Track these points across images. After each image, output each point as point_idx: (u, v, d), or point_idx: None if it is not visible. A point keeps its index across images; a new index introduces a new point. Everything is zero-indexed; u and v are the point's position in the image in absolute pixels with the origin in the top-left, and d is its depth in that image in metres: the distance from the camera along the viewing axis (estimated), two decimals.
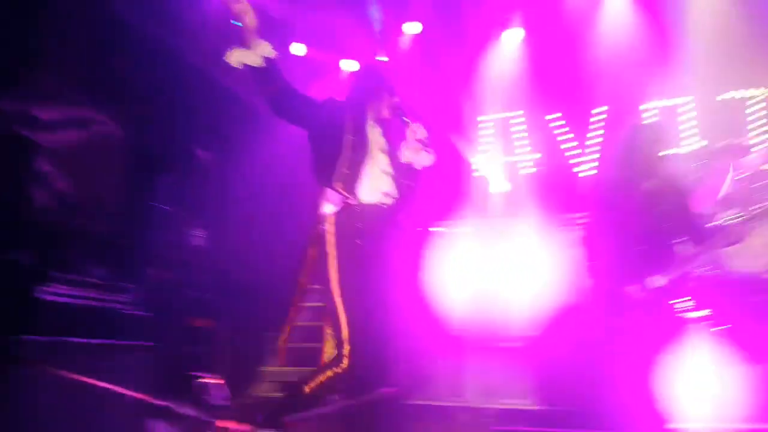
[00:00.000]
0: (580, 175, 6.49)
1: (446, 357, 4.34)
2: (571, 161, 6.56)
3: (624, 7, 6.32)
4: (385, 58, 7.05)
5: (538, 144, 6.72)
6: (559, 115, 6.61)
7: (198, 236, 5.69)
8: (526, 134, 6.79)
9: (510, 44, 6.77)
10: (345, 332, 2.47)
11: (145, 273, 4.66)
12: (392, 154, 2.77)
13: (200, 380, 4.21)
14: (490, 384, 4.10)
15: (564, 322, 4.04)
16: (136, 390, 3.09)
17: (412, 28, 6.98)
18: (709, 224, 4.60)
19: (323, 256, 2.54)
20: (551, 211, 5.46)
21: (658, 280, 3.00)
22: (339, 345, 2.49)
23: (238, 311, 5.50)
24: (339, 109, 2.71)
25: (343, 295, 2.50)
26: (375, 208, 2.62)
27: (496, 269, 5.14)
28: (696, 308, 3.95)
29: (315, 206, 2.62)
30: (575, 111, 6.49)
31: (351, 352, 2.44)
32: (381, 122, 2.80)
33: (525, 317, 4.36)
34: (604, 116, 6.47)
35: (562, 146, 6.60)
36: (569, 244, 4.57)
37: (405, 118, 2.74)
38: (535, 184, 6.46)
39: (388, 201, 2.66)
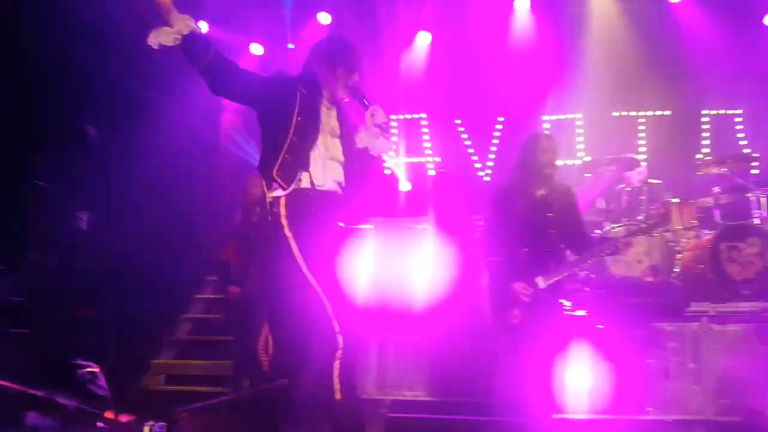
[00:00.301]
0: (482, 179, 6.74)
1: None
2: (474, 165, 6.80)
3: (528, 24, 6.63)
4: (292, 46, 6.96)
5: (441, 147, 6.89)
6: (459, 121, 6.82)
7: (83, 219, 5.31)
8: (429, 137, 6.94)
9: (420, 47, 6.90)
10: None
11: (25, 257, 4.31)
12: (348, 138, 2.56)
13: (84, 370, 3.95)
14: (387, 376, 4.17)
15: (459, 317, 4.20)
16: (12, 380, 2.83)
17: (324, 19, 6.96)
18: (594, 232, 4.96)
19: (280, 239, 2.35)
20: (451, 212, 5.61)
21: (542, 281, 3.14)
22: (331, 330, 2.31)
23: (125, 300, 5.20)
24: (291, 87, 2.47)
25: (317, 279, 2.32)
26: (327, 194, 2.44)
27: (397, 266, 5.21)
28: (577, 308, 4.26)
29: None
30: (477, 117, 6.73)
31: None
32: (337, 103, 2.57)
33: (422, 313, 4.46)
34: (502, 125, 6.75)
35: (468, 150, 6.83)
36: (466, 244, 4.74)
37: (365, 101, 2.52)
38: (436, 185, 6.62)
39: (339, 188, 2.48)
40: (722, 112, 6.60)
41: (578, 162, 6.55)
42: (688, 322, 4.06)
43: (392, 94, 6.59)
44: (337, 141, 2.52)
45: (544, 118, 6.74)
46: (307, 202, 2.38)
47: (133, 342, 5.25)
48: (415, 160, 6.96)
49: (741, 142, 6.47)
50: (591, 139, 6.69)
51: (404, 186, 6.62)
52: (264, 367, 3.49)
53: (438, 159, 6.91)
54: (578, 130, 6.79)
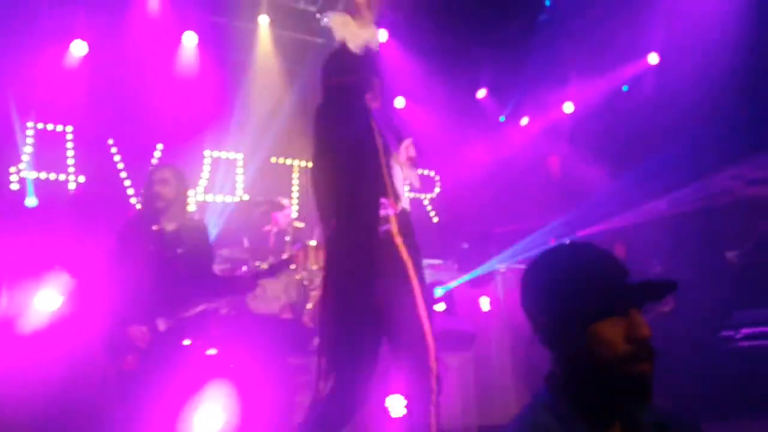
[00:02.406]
0: (134, 206, 6.31)
1: None
2: (126, 190, 6.34)
3: (195, 60, 6.60)
4: None
5: (88, 165, 6.26)
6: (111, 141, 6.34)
7: None
8: (73, 152, 6.25)
9: (75, 56, 6.26)
10: (432, 353, 2.25)
11: None
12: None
13: None
14: None
15: (73, 361, 3.74)
16: None
17: None
18: (241, 269, 5.07)
19: (398, 264, 2.27)
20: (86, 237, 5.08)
21: (163, 323, 3.00)
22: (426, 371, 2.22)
23: None
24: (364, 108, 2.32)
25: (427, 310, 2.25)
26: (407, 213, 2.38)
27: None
28: (211, 346, 4.23)
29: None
30: (133, 140, 6.35)
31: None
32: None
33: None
34: (161, 152, 6.51)
35: (120, 174, 6.34)
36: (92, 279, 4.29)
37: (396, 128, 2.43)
38: (77, 203, 5.97)
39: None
40: None
41: (237, 200, 6.71)
42: (314, 356, 4.38)
43: (32, 99, 5.80)
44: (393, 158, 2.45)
45: (206, 153, 6.73)
46: (410, 223, 2.43)
47: None
48: (53, 176, 6.14)
49: None
50: (250, 179, 6.91)
51: (30, 202, 5.76)
52: None
53: (83, 178, 6.23)
54: (238, 170, 6.96)
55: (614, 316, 1.19)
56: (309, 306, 5.21)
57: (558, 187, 6.94)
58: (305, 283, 5.15)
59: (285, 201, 5.72)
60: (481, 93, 7.76)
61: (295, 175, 7.35)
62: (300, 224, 5.84)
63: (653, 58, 6.61)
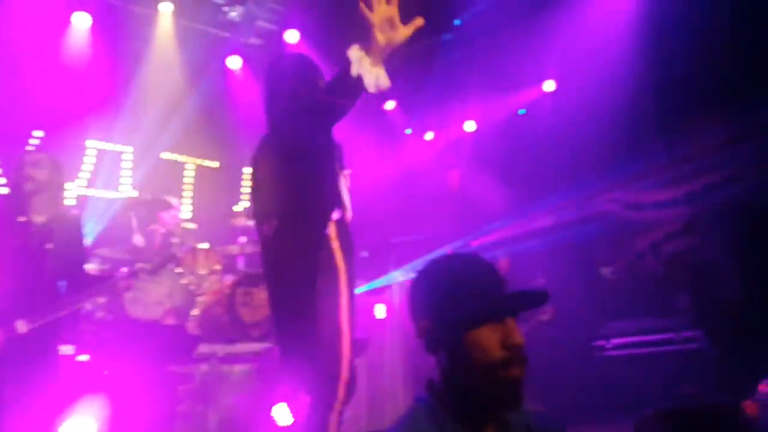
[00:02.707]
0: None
1: None
2: None
3: (85, 43, 6.15)
4: None
5: None
6: None
7: None
8: None
9: None
10: (347, 359, 2.28)
11: None
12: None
13: None
14: None
15: None
16: None
17: None
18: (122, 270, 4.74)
19: (331, 267, 2.33)
20: None
21: (24, 325, 2.69)
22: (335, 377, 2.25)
23: None
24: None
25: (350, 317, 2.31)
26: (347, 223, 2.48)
27: None
28: (83, 352, 3.91)
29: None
30: (6, 126, 5.80)
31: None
32: None
33: None
34: (39, 140, 5.99)
35: None
36: None
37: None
38: None
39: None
40: None
41: (122, 196, 6.30)
42: (198, 364, 4.19)
43: None
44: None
45: (89, 143, 6.28)
46: (349, 231, 2.50)
47: None
48: None
49: None
50: (139, 175, 6.53)
51: None
52: None
53: None
54: (126, 164, 6.55)
55: (491, 324, 1.27)
56: (195, 312, 4.96)
57: (456, 201, 7.14)
58: (192, 288, 4.91)
59: (174, 200, 5.44)
60: (390, 105, 7.81)
61: (188, 173, 7.04)
62: (190, 225, 5.59)
63: (549, 86, 6.97)
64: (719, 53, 4.86)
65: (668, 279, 5.38)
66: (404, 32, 2.07)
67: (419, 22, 2.07)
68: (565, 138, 6.29)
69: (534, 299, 1.33)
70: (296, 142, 2.37)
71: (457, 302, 1.28)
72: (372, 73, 2.12)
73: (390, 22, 2.05)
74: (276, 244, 2.38)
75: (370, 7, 2.03)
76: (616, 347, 5.11)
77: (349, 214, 2.55)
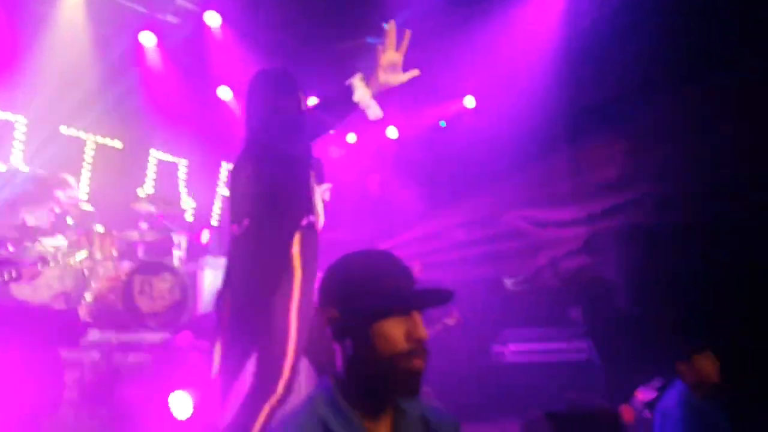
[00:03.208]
0: None
1: None
2: None
3: None
4: None
5: None
6: None
7: None
8: None
9: None
10: (290, 359, 2.37)
11: None
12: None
13: None
14: None
15: None
16: None
17: None
18: (8, 249, 4.36)
19: (288, 268, 2.44)
20: None
21: None
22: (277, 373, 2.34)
23: None
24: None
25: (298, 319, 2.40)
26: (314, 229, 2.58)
27: None
28: None
29: None
30: None
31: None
32: None
33: None
34: None
35: None
36: None
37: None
38: None
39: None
40: (168, 157, 7.03)
41: (11, 169, 5.79)
42: (88, 351, 3.96)
43: None
44: None
45: None
46: (316, 242, 2.62)
47: None
48: None
49: (181, 188, 7.03)
50: (33, 148, 6.03)
51: None
52: None
53: None
54: (19, 134, 6.04)
55: (397, 316, 1.32)
56: (88, 297, 4.66)
57: (375, 205, 7.20)
58: (86, 272, 4.60)
59: (71, 178, 5.07)
60: (312, 101, 7.71)
61: (88, 151, 6.58)
62: (87, 206, 5.24)
63: (470, 102, 7.18)
64: (627, 88, 5.26)
65: (564, 292, 5.72)
66: (402, 78, 2.41)
67: (415, 72, 2.42)
68: (482, 152, 6.52)
69: (441, 297, 1.37)
70: (276, 149, 2.52)
71: (369, 293, 1.32)
72: (371, 106, 2.40)
73: (393, 67, 2.38)
74: (244, 243, 2.51)
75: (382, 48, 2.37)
76: (513, 353, 5.36)
77: (320, 223, 2.68)
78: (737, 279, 4.13)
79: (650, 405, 3.10)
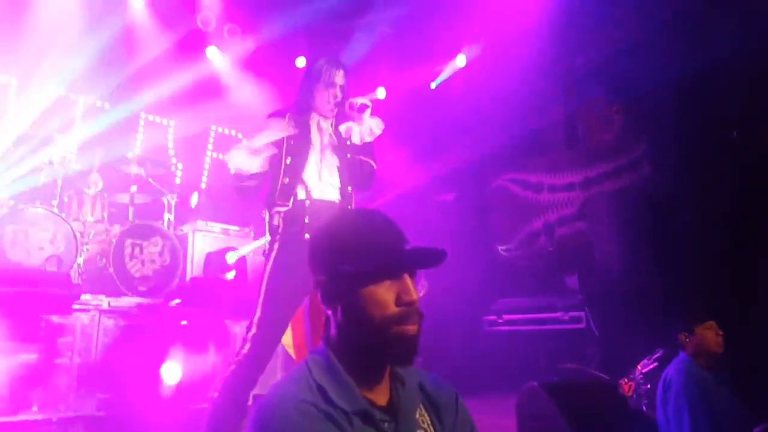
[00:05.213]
0: None
1: None
2: None
3: None
4: None
5: None
6: None
7: None
8: None
9: None
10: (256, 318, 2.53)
11: None
12: (344, 146, 2.77)
13: None
14: None
15: None
16: None
17: None
18: None
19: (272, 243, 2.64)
20: None
21: None
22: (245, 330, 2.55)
23: None
24: (282, 117, 2.75)
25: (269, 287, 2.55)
26: (324, 204, 2.65)
27: None
28: None
29: None
30: None
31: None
32: (331, 118, 2.82)
33: None
34: None
35: None
36: None
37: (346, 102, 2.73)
38: None
39: (340, 196, 2.72)
40: (157, 119, 6.87)
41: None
42: (80, 315, 3.92)
43: None
44: (334, 152, 2.76)
45: None
46: (302, 213, 2.63)
47: None
48: None
49: (170, 151, 6.89)
50: (24, 109, 5.86)
51: None
52: None
53: None
54: (11, 97, 5.90)
55: (387, 279, 1.26)
56: (80, 260, 4.59)
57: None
58: (78, 235, 4.52)
59: (59, 137, 4.95)
60: (300, 61, 7.54)
61: (80, 112, 6.41)
62: (76, 166, 5.13)
63: (461, 60, 7.00)
64: (623, 44, 5.12)
65: (560, 259, 5.64)
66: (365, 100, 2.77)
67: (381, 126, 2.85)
68: (473, 115, 6.39)
69: (433, 256, 1.31)
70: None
71: (356, 256, 1.26)
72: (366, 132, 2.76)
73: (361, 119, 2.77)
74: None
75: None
76: (508, 323, 5.29)
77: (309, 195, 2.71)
78: (735, 244, 4.08)
79: (650, 376, 3.07)
